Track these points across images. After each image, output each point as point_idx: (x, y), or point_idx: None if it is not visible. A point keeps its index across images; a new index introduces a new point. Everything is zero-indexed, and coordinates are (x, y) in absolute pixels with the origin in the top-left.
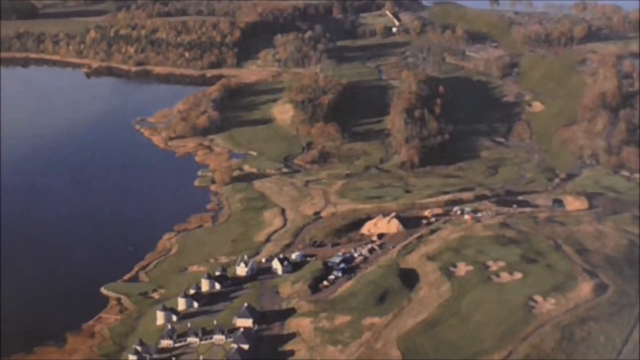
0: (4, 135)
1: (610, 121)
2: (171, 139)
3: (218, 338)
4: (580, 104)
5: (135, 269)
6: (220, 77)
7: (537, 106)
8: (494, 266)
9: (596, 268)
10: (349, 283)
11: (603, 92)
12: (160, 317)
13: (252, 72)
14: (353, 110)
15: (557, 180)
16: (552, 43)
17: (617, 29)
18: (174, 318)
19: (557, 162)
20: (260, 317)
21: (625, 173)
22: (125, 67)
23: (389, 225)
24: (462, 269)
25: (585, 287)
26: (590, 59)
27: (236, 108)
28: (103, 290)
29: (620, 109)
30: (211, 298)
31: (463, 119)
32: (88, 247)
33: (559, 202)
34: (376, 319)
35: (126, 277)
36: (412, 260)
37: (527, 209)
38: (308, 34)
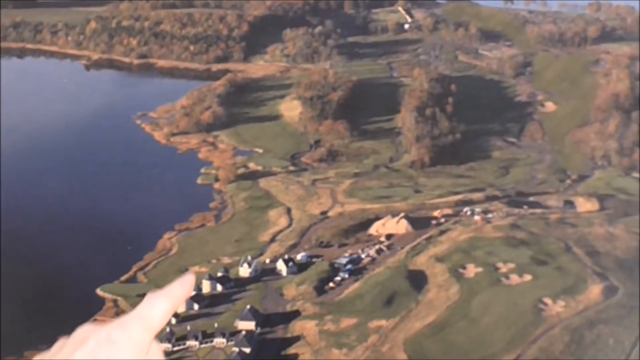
0: None
1: (623, 123)
2: (173, 135)
3: (219, 341)
4: (593, 105)
5: (134, 269)
6: (226, 71)
7: (550, 106)
8: (503, 268)
9: (606, 270)
10: (356, 285)
11: (616, 93)
12: None
13: (259, 67)
14: (363, 108)
15: (568, 181)
16: (566, 43)
17: (630, 30)
18: (173, 321)
19: (569, 163)
20: (264, 319)
21: (637, 175)
22: (126, 59)
23: (397, 225)
24: (472, 270)
25: (595, 290)
26: (604, 59)
27: (242, 104)
28: (99, 291)
29: (633, 110)
30: (212, 300)
31: (475, 118)
32: (84, 246)
33: (570, 204)
34: (383, 322)
35: (124, 278)
36: (421, 262)
37: (538, 210)
38: (318, 29)
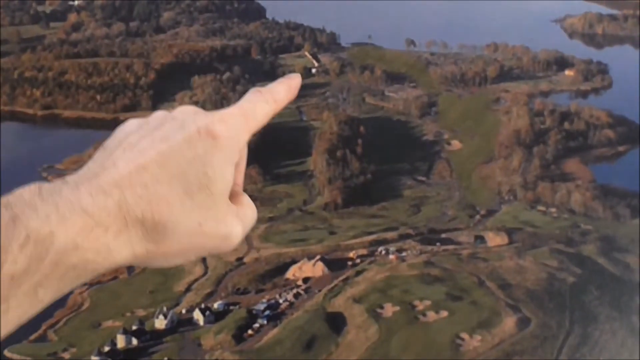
0: None
1: (525, 157)
2: None
3: None
4: (496, 142)
5: (43, 327)
6: None
7: (456, 144)
8: (420, 305)
9: (518, 302)
10: (275, 330)
11: (517, 129)
12: None
13: None
14: (275, 152)
15: (477, 216)
16: (467, 83)
17: (527, 69)
18: None
19: (477, 198)
20: None
21: (541, 207)
22: (30, 111)
23: (314, 268)
24: (389, 309)
25: (509, 322)
26: (504, 97)
27: None
28: (7, 353)
29: (534, 145)
30: (128, 354)
31: (384, 158)
32: None
33: (480, 239)
34: None
35: (32, 337)
36: (339, 304)
37: (451, 247)
38: (226, 75)
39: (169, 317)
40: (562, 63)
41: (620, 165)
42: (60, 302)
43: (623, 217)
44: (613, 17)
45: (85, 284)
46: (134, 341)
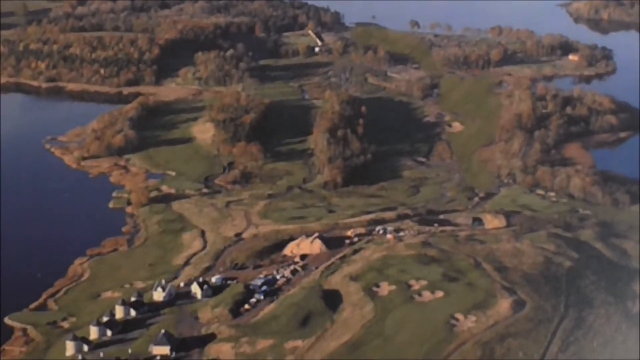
0: None
1: (526, 141)
2: (84, 158)
3: None
4: (497, 125)
5: (44, 296)
6: (137, 94)
7: (457, 126)
8: (416, 285)
9: (514, 285)
10: (271, 306)
11: (519, 113)
12: (70, 348)
13: (171, 90)
14: (276, 130)
15: (476, 199)
16: (470, 65)
17: (530, 53)
18: (85, 348)
19: (476, 181)
20: (179, 344)
21: (540, 192)
22: (35, 83)
23: (311, 246)
24: (385, 288)
25: (504, 304)
26: (506, 81)
27: (154, 127)
28: (7, 320)
29: (535, 130)
30: (126, 325)
31: (385, 139)
32: None
33: (478, 221)
34: (299, 342)
35: (33, 305)
36: (335, 281)
37: (448, 228)
38: (230, 52)
39: (167, 290)
40: (566, 48)
41: (621, 152)
42: (60, 272)
43: (622, 204)
44: (619, 3)
45: (85, 255)
46: (132, 312)
